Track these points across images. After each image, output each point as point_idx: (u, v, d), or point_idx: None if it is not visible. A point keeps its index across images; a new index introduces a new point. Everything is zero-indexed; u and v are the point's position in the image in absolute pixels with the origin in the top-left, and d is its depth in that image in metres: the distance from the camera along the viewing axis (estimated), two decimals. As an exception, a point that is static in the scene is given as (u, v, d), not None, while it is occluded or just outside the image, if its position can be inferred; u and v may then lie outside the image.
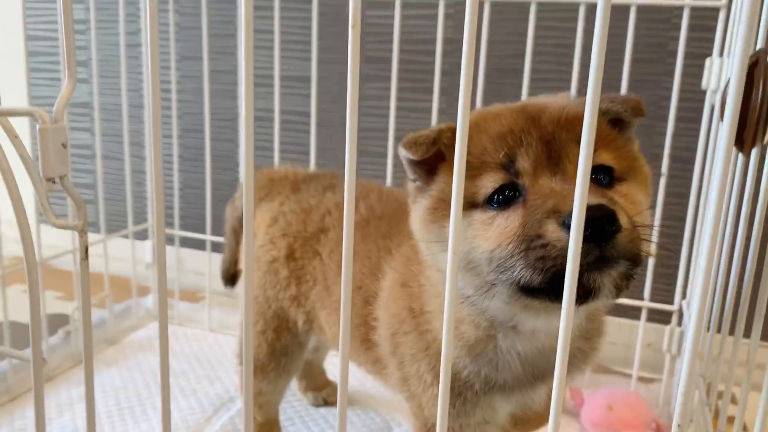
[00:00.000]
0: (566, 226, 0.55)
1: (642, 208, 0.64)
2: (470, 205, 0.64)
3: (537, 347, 0.74)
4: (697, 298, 0.46)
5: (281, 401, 1.13)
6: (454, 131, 0.69)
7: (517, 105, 0.71)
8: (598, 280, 0.57)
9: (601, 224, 0.54)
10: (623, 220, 0.56)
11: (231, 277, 1.19)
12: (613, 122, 0.71)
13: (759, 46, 0.86)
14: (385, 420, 1.28)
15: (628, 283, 0.59)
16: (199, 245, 1.83)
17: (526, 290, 0.60)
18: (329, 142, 1.71)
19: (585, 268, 0.55)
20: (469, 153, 0.58)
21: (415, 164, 0.71)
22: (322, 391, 1.32)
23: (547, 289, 0.58)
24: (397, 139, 1.36)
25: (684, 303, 1.27)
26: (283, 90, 1.74)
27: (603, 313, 0.81)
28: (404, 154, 0.69)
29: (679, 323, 1.30)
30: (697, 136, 1.30)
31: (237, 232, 1.14)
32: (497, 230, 0.62)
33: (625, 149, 0.68)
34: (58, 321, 1.62)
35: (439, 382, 0.78)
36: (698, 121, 1.32)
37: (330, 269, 0.94)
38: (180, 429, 1.21)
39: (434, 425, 0.79)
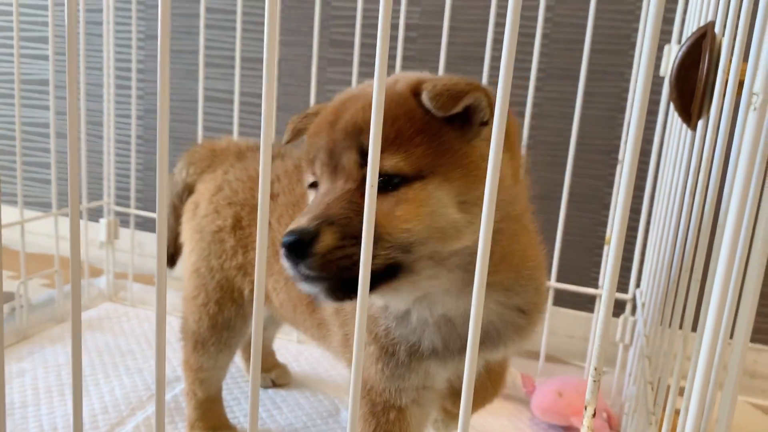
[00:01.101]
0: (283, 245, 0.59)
1: (433, 203, 0.62)
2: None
3: (446, 320, 0.74)
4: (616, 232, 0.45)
5: (224, 377, 1.10)
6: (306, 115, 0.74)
7: (342, 99, 0.71)
8: (312, 290, 0.61)
9: (294, 249, 0.58)
10: (320, 246, 0.58)
11: (170, 257, 1.17)
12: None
13: (710, 18, 0.87)
14: (334, 402, 1.26)
15: (342, 294, 0.60)
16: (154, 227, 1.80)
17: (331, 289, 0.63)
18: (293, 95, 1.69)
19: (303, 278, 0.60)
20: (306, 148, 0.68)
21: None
22: (271, 373, 1.30)
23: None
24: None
25: (638, 292, 1.26)
26: (244, 72, 1.72)
27: (543, 291, 0.79)
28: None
29: (633, 312, 1.29)
30: (653, 129, 1.30)
31: (176, 209, 1.11)
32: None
33: (429, 146, 0.62)
34: (4, 298, 1.58)
35: (374, 341, 0.78)
36: (656, 113, 1.32)
37: (279, 234, 0.92)
38: (121, 405, 1.17)
39: (373, 385, 0.80)
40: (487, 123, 0.64)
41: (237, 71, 1.41)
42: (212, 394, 1.09)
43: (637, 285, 1.28)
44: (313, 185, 0.69)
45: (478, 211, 0.58)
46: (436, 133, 0.62)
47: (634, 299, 1.28)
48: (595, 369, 0.46)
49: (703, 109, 0.79)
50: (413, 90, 0.64)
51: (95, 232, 1.65)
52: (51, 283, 1.78)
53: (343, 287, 0.59)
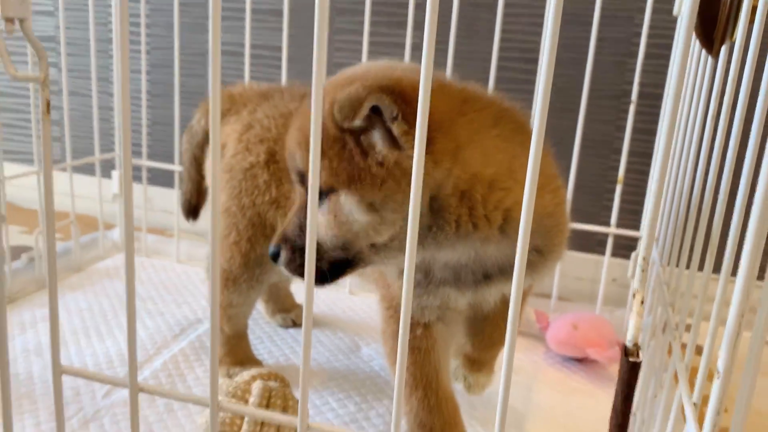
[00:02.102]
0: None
1: (344, 212, 0.70)
2: None
3: (459, 260, 0.78)
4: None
5: (250, 314, 1.13)
6: None
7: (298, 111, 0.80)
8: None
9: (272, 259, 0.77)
10: (281, 261, 0.77)
11: (193, 209, 1.18)
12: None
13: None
14: (353, 339, 1.29)
15: (318, 283, 0.72)
16: (168, 182, 1.81)
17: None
18: (301, 77, 1.70)
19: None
20: None
21: None
22: (291, 313, 1.33)
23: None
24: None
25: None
26: (254, 24, 1.72)
27: (561, 210, 0.81)
28: None
29: (644, 250, 1.32)
30: (665, 73, 1.32)
31: (198, 160, 1.13)
32: None
33: (339, 159, 0.69)
34: (21, 251, 1.59)
35: (401, 277, 0.83)
36: (668, 57, 1.34)
37: None
38: (147, 345, 1.20)
39: (398, 301, 0.84)
40: (397, 117, 0.67)
41: (248, 23, 1.41)
42: (239, 331, 1.12)
43: (648, 223, 1.31)
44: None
45: (387, 209, 0.69)
46: (343, 149, 0.69)
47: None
48: (644, 259, 0.48)
49: (726, 34, 0.80)
50: (330, 106, 0.69)
51: (107, 190, 1.66)
52: (64, 237, 1.79)
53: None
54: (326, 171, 0.69)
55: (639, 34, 1.47)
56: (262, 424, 0.84)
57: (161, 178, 1.86)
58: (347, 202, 0.69)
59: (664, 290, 0.95)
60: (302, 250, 0.74)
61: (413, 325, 0.87)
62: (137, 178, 1.68)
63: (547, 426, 1.05)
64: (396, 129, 0.68)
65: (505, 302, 0.93)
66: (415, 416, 0.90)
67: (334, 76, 0.78)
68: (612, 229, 1.34)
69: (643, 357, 0.46)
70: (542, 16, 1.43)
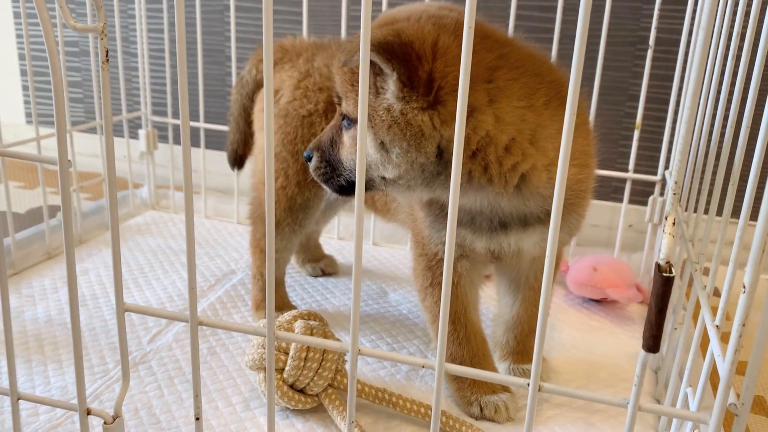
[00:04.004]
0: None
1: (351, 149, 0.81)
2: None
3: (473, 206, 0.84)
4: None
5: (289, 261, 1.18)
6: None
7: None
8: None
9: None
10: (311, 166, 0.86)
11: (239, 158, 1.22)
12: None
13: None
14: (381, 286, 1.34)
15: (329, 186, 0.85)
16: (192, 141, 1.85)
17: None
18: (320, 32, 1.72)
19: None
20: None
21: None
22: (320, 263, 1.38)
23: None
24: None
25: (667, 173, 1.32)
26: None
27: (583, 187, 0.85)
28: None
29: (662, 193, 1.36)
30: (682, 18, 1.33)
31: (247, 110, 1.16)
32: None
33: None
34: (56, 209, 1.65)
35: (423, 207, 0.91)
36: (682, 2, 1.35)
37: None
38: (185, 294, 1.25)
39: (424, 235, 0.93)
40: (393, 75, 0.72)
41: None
42: (278, 277, 1.17)
43: (666, 167, 1.34)
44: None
45: (393, 152, 0.75)
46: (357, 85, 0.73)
47: (663, 180, 1.34)
48: (675, 183, 0.52)
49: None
50: (354, 40, 0.76)
51: (134, 150, 1.71)
52: (94, 196, 1.85)
53: (332, 189, 0.85)
54: (353, 102, 0.77)
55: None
56: (305, 359, 0.89)
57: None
58: (366, 136, 0.75)
59: (683, 228, 0.99)
60: (329, 162, 0.84)
61: (439, 261, 0.92)
62: (162, 138, 1.72)
63: (569, 361, 1.10)
64: (393, 85, 0.72)
65: (531, 287, 0.98)
66: (446, 349, 0.95)
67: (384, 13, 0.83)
68: (630, 174, 1.37)
69: (675, 273, 0.50)
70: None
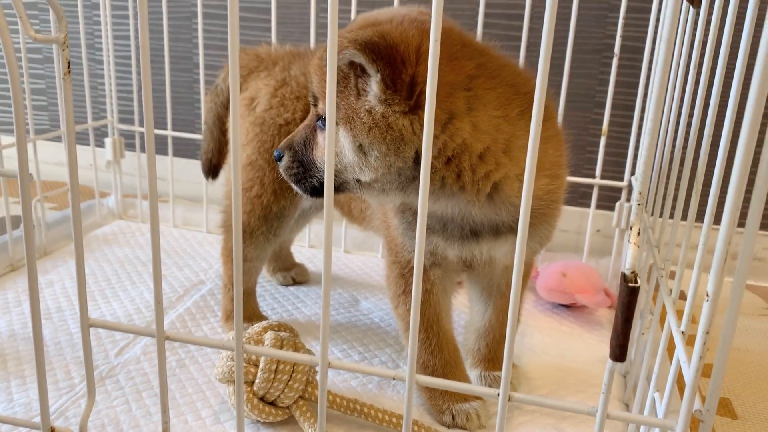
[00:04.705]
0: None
1: (339, 145, 0.76)
2: None
3: (444, 213, 0.84)
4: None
5: (261, 270, 1.17)
6: None
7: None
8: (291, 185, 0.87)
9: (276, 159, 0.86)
10: (281, 165, 0.85)
11: (214, 168, 1.21)
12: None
13: None
14: (352, 294, 1.33)
15: (299, 187, 0.84)
16: (160, 149, 1.83)
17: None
18: (289, 39, 1.71)
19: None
20: None
21: None
22: (291, 271, 1.37)
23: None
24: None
25: (633, 179, 1.34)
26: (240, -13, 1.72)
27: (553, 198, 0.86)
28: None
29: (628, 199, 1.38)
30: (646, 26, 1.35)
31: (222, 119, 1.15)
32: None
33: (341, 97, 0.75)
34: (19, 220, 1.61)
35: (397, 214, 0.91)
36: (647, 11, 1.37)
37: None
38: (153, 306, 1.23)
39: (397, 242, 0.93)
40: (376, 76, 0.71)
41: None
42: (249, 287, 1.16)
43: (632, 173, 1.36)
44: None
45: (371, 155, 0.74)
46: (346, 86, 0.74)
47: (629, 186, 1.36)
48: (640, 193, 0.53)
49: (707, -16, 0.84)
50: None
51: (101, 159, 1.68)
52: (59, 206, 1.81)
53: (302, 189, 0.84)
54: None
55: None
56: (275, 371, 0.88)
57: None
58: (342, 136, 0.75)
59: (649, 234, 1.01)
60: (301, 162, 0.83)
61: (411, 269, 0.92)
62: (130, 146, 1.69)
63: (540, 366, 1.11)
64: (376, 87, 0.72)
65: (503, 295, 0.99)
66: (418, 357, 0.95)
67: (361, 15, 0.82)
68: (597, 180, 1.39)
69: (640, 282, 0.50)
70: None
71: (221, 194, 1.22)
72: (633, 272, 0.52)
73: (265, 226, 1.09)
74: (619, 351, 0.52)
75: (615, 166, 1.57)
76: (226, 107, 1.14)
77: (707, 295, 0.53)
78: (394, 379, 0.65)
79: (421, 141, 0.72)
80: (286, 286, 1.36)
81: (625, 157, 1.38)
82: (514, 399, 0.60)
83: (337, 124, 0.75)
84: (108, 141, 1.62)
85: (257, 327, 0.95)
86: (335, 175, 0.78)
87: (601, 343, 1.21)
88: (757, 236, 0.78)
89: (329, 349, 1.11)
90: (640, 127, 1.33)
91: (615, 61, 1.32)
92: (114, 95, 1.60)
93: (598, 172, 1.38)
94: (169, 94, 1.53)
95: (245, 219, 1.09)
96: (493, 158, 0.75)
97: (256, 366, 0.89)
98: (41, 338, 0.69)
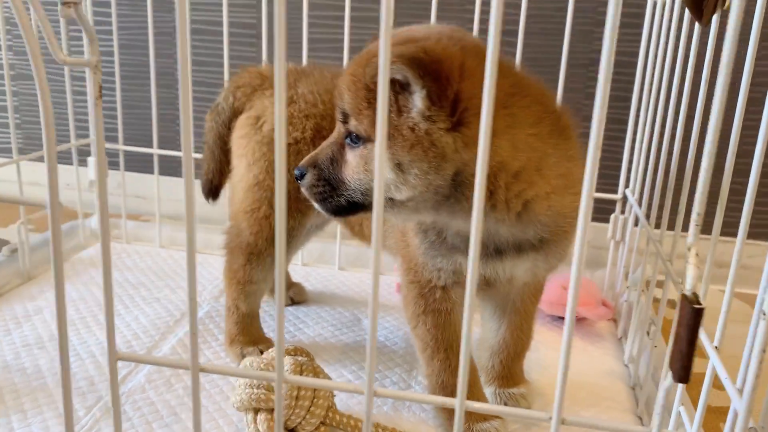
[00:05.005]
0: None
1: (373, 165, 0.73)
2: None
3: (468, 232, 0.82)
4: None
5: (266, 292, 1.15)
6: None
7: (356, 57, 0.82)
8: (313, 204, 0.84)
9: (297, 178, 0.83)
10: (304, 182, 0.82)
11: (215, 189, 1.18)
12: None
13: None
14: (353, 313, 1.32)
15: (328, 211, 0.82)
16: (143, 167, 1.78)
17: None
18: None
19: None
20: None
21: None
22: (289, 291, 1.34)
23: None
24: (353, 50, 1.36)
25: (627, 191, 1.36)
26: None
27: (576, 214, 0.86)
28: None
29: (623, 211, 1.39)
30: (637, 41, 1.37)
31: (223, 139, 1.12)
32: None
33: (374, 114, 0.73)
34: (3, 243, 1.55)
35: (419, 233, 0.89)
36: (638, 26, 1.40)
37: None
38: (150, 331, 1.20)
39: (417, 262, 0.91)
40: (422, 92, 0.70)
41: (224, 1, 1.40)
42: (254, 310, 1.13)
43: (626, 186, 1.38)
44: None
45: (411, 173, 0.72)
46: (371, 101, 0.73)
47: (623, 198, 1.38)
48: (698, 214, 0.53)
49: (717, 4, 0.86)
50: (371, 57, 0.74)
51: (83, 178, 1.63)
52: (37, 229, 1.75)
53: (326, 209, 0.82)
54: (368, 120, 0.74)
55: (604, 4, 1.53)
56: (297, 397, 0.86)
57: (134, 164, 1.82)
58: (370, 152, 0.74)
59: (658, 247, 1.02)
60: (328, 180, 0.80)
61: (432, 288, 0.91)
62: (113, 165, 1.65)
63: (550, 381, 1.11)
64: (421, 103, 0.70)
65: (517, 312, 0.99)
66: (437, 377, 0.94)
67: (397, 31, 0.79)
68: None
69: (703, 303, 0.50)
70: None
71: (217, 215, 1.19)
72: (694, 293, 0.52)
73: (273, 247, 1.06)
74: (684, 373, 0.51)
75: (607, 179, 1.59)
76: (228, 126, 1.12)
77: (764, 314, 0.53)
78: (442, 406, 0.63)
79: (462, 159, 0.72)
80: (285, 306, 1.33)
81: (618, 170, 1.40)
82: (569, 422, 0.59)
83: (372, 141, 0.74)
84: (91, 160, 1.57)
85: (273, 353, 0.92)
86: (365, 195, 0.77)
87: (605, 355, 1.22)
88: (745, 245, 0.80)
89: (338, 372, 1.09)
90: (633, 141, 1.35)
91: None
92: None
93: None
94: (155, 112, 1.49)
95: (252, 240, 1.07)
96: (527, 177, 0.75)
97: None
98: (69, 379, 0.66)
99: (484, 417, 0.94)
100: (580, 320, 1.33)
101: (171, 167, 1.83)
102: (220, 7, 1.70)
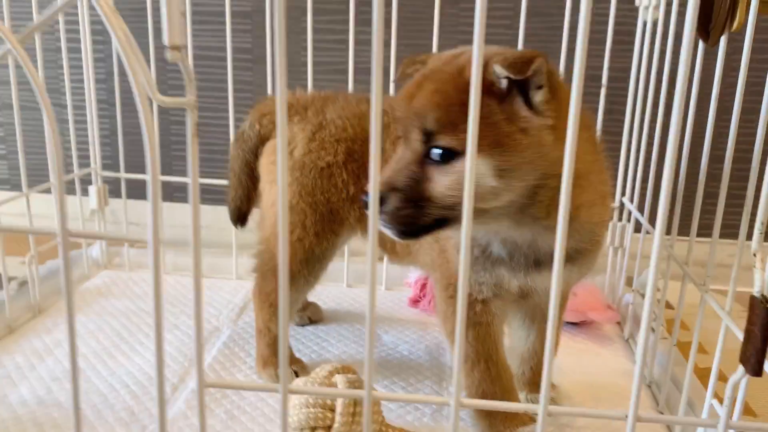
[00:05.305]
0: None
1: (476, 176, 0.75)
2: None
3: (510, 240, 0.88)
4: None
5: (295, 314, 1.17)
6: None
7: (426, 72, 0.82)
8: (387, 231, 0.80)
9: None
10: (387, 207, 0.78)
11: (243, 216, 1.20)
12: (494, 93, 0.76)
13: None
14: (375, 330, 1.35)
15: (407, 236, 0.80)
16: (137, 194, 1.78)
17: None
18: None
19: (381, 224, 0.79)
20: None
21: None
22: (306, 311, 1.37)
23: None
24: (357, 72, 1.40)
25: (625, 199, 1.43)
26: (216, 26, 1.71)
27: (605, 224, 0.93)
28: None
29: (620, 219, 1.47)
30: (629, 57, 1.45)
31: (250, 166, 1.15)
32: None
33: (486, 124, 0.73)
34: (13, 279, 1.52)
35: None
36: (631, 43, 1.48)
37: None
38: (179, 359, 1.20)
39: (456, 281, 0.93)
40: (541, 87, 0.75)
41: (228, 26, 1.42)
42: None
43: (623, 194, 1.45)
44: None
45: (515, 176, 0.75)
46: (487, 110, 0.74)
47: (621, 206, 1.45)
48: (762, 223, 0.58)
49: (726, 25, 0.93)
50: (461, 72, 0.76)
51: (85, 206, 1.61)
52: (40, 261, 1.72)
53: (406, 232, 0.79)
54: (459, 135, 0.74)
55: (601, 22, 1.61)
56: (353, 414, 0.89)
57: (134, 191, 1.81)
58: (482, 166, 0.74)
59: (672, 251, 1.08)
60: (414, 201, 0.77)
61: (472, 302, 0.95)
62: (113, 192, 1.64)
63: (573, 384, 1.16)
64: (540, 96, 0.75)
65: (545, 320, 1.04)
66: (477, 387, 0.98)
67: (448, 53, 0.83)
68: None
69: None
70: (504, 9, 1.53)
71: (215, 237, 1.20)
72: (763, 295, 0.57)
73: (306, 270, 1.09)
74: (758, 366, 0.57)
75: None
76: (255, 153, 1.14)
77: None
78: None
79: (554, 157, 0.74)
80: (303, 326, 1.36)
81: (615, 179, 1.47)
82: (644, 419, 0.64)
83: (463, 155, 0.75)
84: (92, 189, 1.56)
85: (321, 372, 0.95)
86: (452, 208, 0.76)
87: (616, 356, 1.28)
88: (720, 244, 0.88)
89: (373, 386, 1.12)
90: (628, 151, 1.42)
91: (603, 92, 1.41)
92: (97, 141, 1.55)
93: (592, 194, 1.46)
94: (157, 138, 1.50)
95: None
96: (580, 182, 0.79)
97: (332, 410, 0.89)
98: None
99: (523, 421, 0.98)
100: (586, 324, 1.39)
101: (166, 193, 1.82)
102: (216, 33, 1.72)
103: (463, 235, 0.59)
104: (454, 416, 0.66)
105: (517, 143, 0.74)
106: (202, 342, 0.67)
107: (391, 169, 0.80)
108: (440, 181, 0.77)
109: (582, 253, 0.91)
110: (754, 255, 0.60)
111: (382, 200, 0.78)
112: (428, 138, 0.78)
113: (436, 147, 0.77)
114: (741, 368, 0.60)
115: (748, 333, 0.58)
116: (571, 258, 0.90)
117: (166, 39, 0.56)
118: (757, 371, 0.58)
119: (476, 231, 0.87)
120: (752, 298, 0.58)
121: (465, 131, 0.74)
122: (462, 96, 0.74)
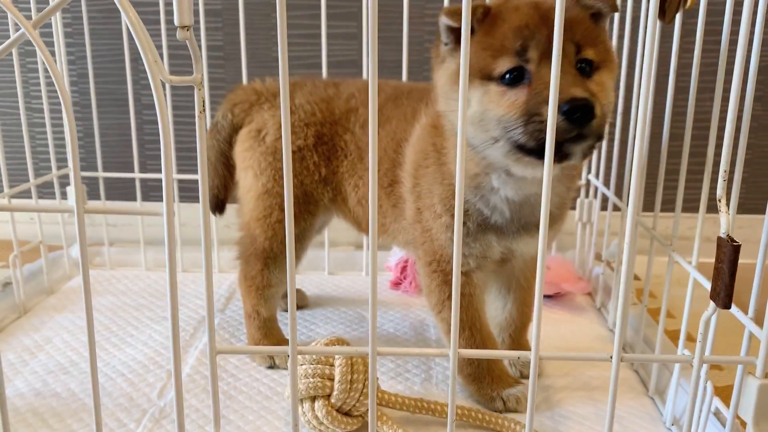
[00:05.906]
0: (561, 111, 0.75)
1: (609, 92, 0.86)
2: (487, 77, 0.83)
3: (522, 194, 0.93)
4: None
5: (281, 296, 1.21)
6: (486, 10, 0.84)
7: (531, 1, 0.87)
8: (573, 149, 0.81)
9: (584, 113, 0.76)
10: (597, 110, 0.78)
11: (221, 203, 1.23)
12: (593, 15, 0.87)
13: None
14: (357, 312, 1.39)
15: (591, 152, 0.85)
16: (121, 194, 1.79)
17: (521, 148, 0.82)
18: (242, 73, 1.74)
19: (566, 140, 0.78)
20: (491, 37, 0.83)
21: (451, 30, 0.84)
22: (291, 297, 1.40)
23: (537, 151, 0.80)
24: (330, 65, 1.44)
25: (591, 176, 1.50)
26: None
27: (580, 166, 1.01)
28: (444, 20, 0.83)
29: (587, 195, 1.54)
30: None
31: (226, 155, 1.18)
32: (507, 101, 0.82)
33: (602, 43, 0.86)
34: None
35: (447, 212, 0.97)
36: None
37: (363, 139, 1.07)
38: (170, 347, 1.22)
39: (443, 254, 0.98)
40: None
41: (202, 24, 1.45)
42: (273, 313, 1.19)
43: (588, 172, 1.53)
44: (511, 72, 0.82)
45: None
46: (596, 31, 0.85)
47: (587, 183, 1.53)
48: (725, 171, 0.65)
49: (680, 3, 1.00)
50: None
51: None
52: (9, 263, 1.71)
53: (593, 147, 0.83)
54: (603, 46, 0.85)
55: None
56: (351, 381, 0.93)
57: (113, 192, 1.82)
58: (612, 78, 0.85)
59: (643, 221, 1.16)
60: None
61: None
62: (92, 195, 1.65)
63: (552, 350, 1.22)
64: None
65: (520, 288, 1.11)
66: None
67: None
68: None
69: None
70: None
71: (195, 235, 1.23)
72: (728, 235, 0.64)
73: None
74: (728, 300, 0.63)
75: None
76: (229, 142, 1.18)
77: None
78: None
79: None
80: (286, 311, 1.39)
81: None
82: (627, 359, 0.70)
83: (601, 67, 0.84)
84: (70, 190, 1.57)
85: (321, 342, 0.99)
86: (604, 121, 0.83)
87: (591, 323, 1.35)
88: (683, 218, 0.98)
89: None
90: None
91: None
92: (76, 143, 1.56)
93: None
94: (135, 137, 1.52)
95: (267, 245, 1.13)
96: None
97: (331, 380, 0.94)
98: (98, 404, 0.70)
99: (509, 383, 1.04)
100: (559, 296, 1.46)
101: (142, 192, 1.83)
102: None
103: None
104: (452, 365, 0.71)
105: (615, 65, 0.88)
106: (212, 308, 0.71)
107: (570, 83, 0.78)
108: (595, 91, 0.80)
109: (554, 220, 0.99)
110: (719, 201, 0.66)
111: (591, 110, 0.77)
112: (578, 50, 0.82)
113: (584, 60, 0.82)
114: (712, 304, 0.66)
115: (717, 270, 0.64)
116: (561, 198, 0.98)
117: (176, 19, 0.60)
118: (726, 304, 0.64)
119: (491, 198, 0.94)
120: (719, 238, 0.64)
121: (600, 41, 0.84)
122: (580, 13, 0.84)
